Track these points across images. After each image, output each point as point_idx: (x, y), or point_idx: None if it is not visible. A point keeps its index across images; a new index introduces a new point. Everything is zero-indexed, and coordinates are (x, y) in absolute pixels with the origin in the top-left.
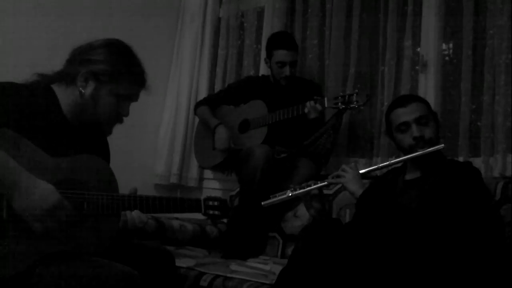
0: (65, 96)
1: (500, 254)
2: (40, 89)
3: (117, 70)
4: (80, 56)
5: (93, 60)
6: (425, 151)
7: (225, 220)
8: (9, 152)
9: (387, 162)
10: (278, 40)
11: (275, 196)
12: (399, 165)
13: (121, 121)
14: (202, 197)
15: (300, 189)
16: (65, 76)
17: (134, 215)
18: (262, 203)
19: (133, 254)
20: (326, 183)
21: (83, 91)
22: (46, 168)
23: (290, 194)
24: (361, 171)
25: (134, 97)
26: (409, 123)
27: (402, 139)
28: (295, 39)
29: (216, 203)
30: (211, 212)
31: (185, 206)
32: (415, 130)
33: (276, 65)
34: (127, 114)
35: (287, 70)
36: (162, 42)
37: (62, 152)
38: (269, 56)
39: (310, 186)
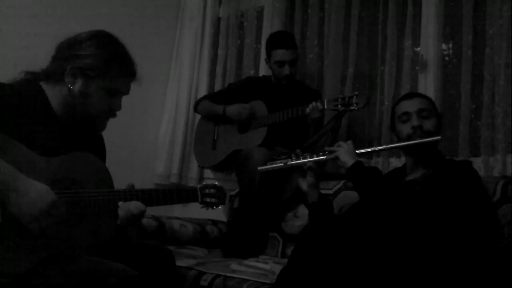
0: (54, 93)
1: (496, 256)
2: (29, 87)
3: (106, 64)
4: (66, 52)
5: (80, 55)
6: (422, 140)
7: (225, 220)
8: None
9: (383, 146)
10: (276, 40)
11: (272, 163)
12: (399, 165)
13: (114, 116)
14: (198, 186)
15: (296, 159)
16: (53, 73)
17: (131, 205)
18: (258, 168)
19: (133, 253)
20: (323, 157)
21: (72, 87)
22: (39, 169)
23: (286, 163)
24: (357, 151)
25: (125, 90)
26: (410, 113)
27: (402, 128)
28: (294, 38)
29: (212, 191)
30: (208, 200)
31: (182, 196)
32: (414, 120)
33: (275, 64)
34: (119, 108)
35: (286, 69)
36: (162, 42)
37: (54, 151)
38: (268, 56)
39: (307, 158)
